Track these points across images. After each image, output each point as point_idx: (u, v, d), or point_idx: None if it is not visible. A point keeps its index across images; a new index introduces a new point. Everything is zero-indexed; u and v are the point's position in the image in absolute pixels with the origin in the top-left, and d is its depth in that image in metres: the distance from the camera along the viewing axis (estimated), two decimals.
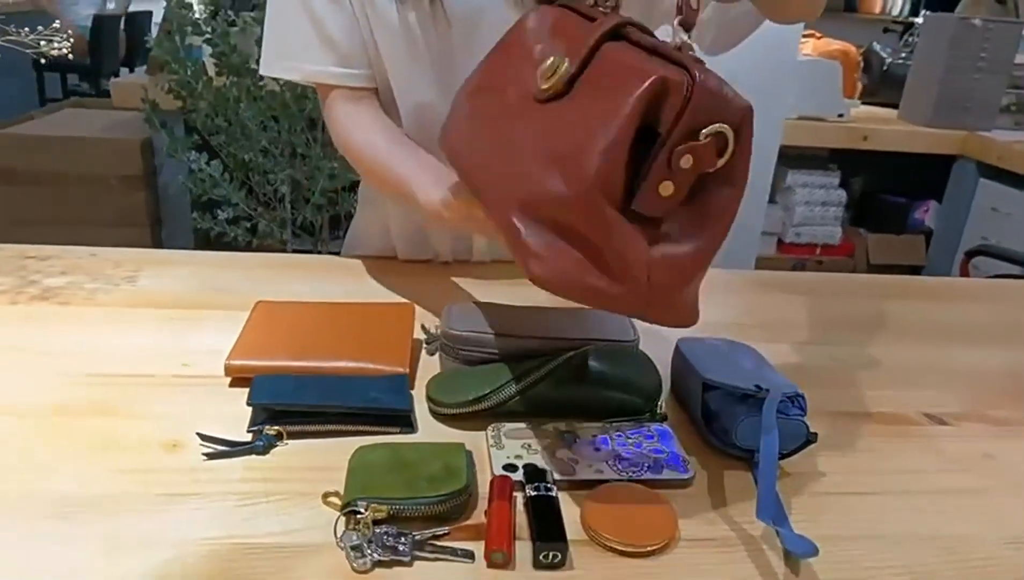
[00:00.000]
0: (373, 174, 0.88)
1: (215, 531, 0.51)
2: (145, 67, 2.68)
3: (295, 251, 2.28)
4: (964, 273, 2.02)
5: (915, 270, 2.98)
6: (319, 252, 2.15)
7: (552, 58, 0.57)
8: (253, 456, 0.59)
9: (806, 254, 2.91)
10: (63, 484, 0.55)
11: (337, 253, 1.09)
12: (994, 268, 2.03)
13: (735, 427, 0.60)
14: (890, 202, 3.03)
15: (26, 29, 0.77)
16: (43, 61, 0.78)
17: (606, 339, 0.71)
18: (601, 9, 0.60)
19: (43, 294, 0.84)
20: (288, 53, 0.87)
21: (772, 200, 2.77)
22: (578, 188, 0.50)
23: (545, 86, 0.56)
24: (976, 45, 2.57)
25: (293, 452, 0.60)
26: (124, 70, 5.23)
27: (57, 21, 0.79)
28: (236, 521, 0.52)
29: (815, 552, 0.50)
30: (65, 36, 0.79)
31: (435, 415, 0.66)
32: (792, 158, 2.76)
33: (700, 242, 0.52)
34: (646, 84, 0.48)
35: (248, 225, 2.05)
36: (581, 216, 0.51)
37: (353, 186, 2.00)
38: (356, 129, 0.88)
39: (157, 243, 2.50)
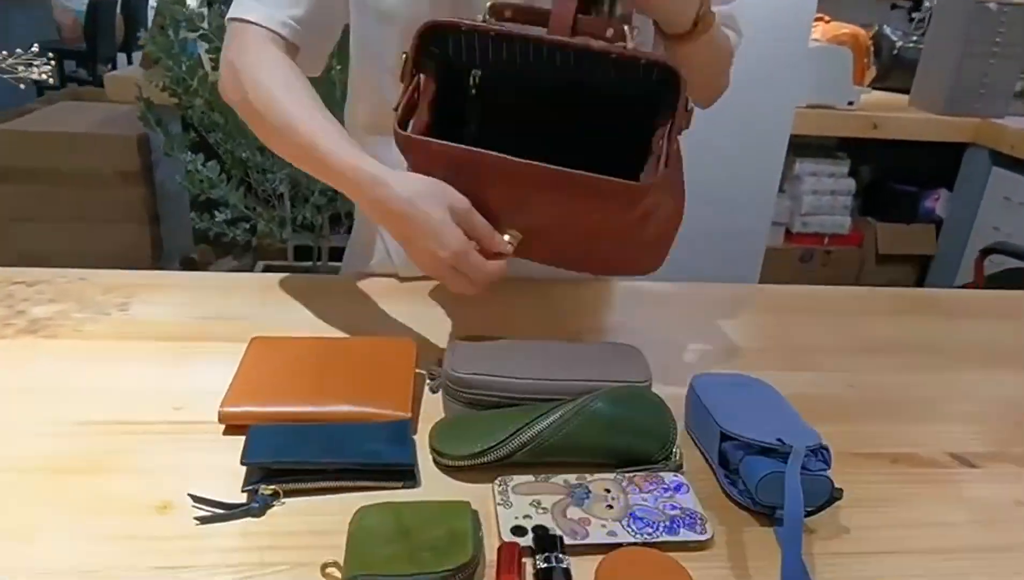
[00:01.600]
0: (289, 123, 0.77)
1: None
2: (140, 59, 2.63)
3: (295, 248, 2.24)
4: (979, 271, 1.98)
5: (925, 260, 2.94)
6: (319, 249, 2.11)
7: None
8: (249, 519, 0.56)
9: (814, 244, 2.86)
10: (45, 554, 0.52)
11: (338, 249, 1.06)
12: (1008, 262, 1.99)
13: (756, 483, 0.57)
14: (900, 191, 2.97)
15: (3, 53, 0.74)
16: (22, 86, 0.75)
17: (617, 380, 0.67)
18: None
19: (30, 327, 0.81)
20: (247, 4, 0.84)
21: (780, 189, 2.72)
22: None
23: None
24: (991, 29, 2.51)
25: (291, 513, 0.57)
26: (121, 56, 5.17)
27: (54, 11, 0.75)
28: None
29: None
30: (46, 60, 0.75)
31: (439, 466, 0.63)
32: (801, 147, 2.71)
33: None
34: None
35: (247, 225, 2.01)
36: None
37: None
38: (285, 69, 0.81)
39: (156, 240, 2.47)
